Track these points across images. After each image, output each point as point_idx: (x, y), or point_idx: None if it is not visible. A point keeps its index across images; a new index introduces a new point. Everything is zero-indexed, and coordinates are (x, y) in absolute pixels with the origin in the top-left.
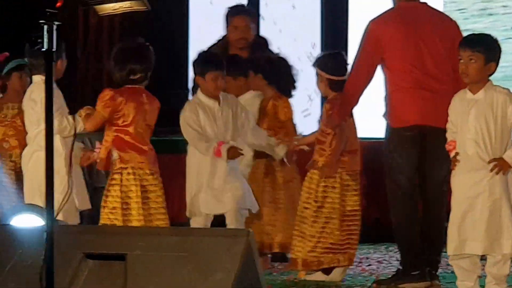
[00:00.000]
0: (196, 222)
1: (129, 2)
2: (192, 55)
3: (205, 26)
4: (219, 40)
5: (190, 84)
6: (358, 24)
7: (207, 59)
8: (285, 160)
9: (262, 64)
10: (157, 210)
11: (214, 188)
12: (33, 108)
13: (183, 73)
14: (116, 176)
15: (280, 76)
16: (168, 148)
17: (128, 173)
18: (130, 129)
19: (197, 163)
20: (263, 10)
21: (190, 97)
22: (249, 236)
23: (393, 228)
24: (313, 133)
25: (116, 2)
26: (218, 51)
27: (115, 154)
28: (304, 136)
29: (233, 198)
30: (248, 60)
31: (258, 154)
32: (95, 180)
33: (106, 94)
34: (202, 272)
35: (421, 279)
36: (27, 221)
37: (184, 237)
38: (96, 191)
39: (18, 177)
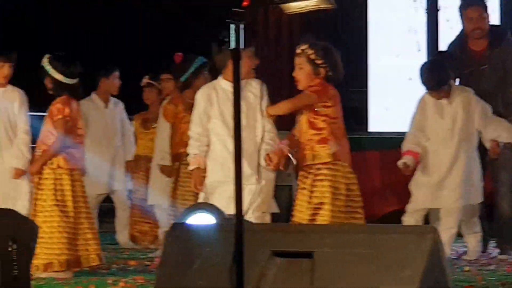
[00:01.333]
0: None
1: (315, 0)
2: (371, 54)
3: (384, 24)
4: (458, 35)
5: (370, 83)
6: None
7: None
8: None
9: None
10: (354, 209)
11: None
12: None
13: (362, 71)
14: (326, 171)
15: None
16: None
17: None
18: (339, 122)
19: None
20: None
21: (369, 95)
22: (436, 233)
23: None
24: None
25: (302, 0)
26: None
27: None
28: None
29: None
30: None
31: None
32: (277, 180)
33: (317, 82)
34: (389, 269)
35: None
36: (201, 220)
37: (371, 234)
38: (279, 190)
39: None
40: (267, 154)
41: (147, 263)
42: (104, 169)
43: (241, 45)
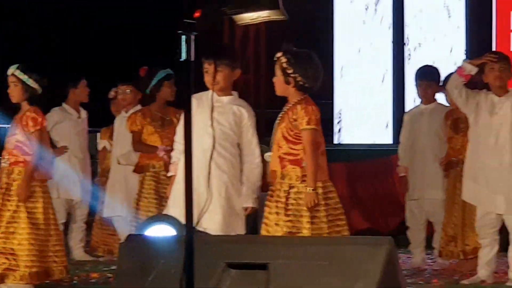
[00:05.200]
0: None
1: (267, 12)
2: (337, 61)
3: (350, 30)
4: None
5: (336, 92)
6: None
7: None
8: None
9: None
10: (336, 216)
11: None
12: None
13: (329, 79)
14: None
15: None
16: None
17: None
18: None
19: None
20: None
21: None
22: (391, 244)
23: None
24: None
25: (253, 11)
26: None
27: None
28: None
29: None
30: None
31: None
32: None
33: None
34: (344, 280)
35: None
36: (161, 232)
37: (326, 245)
38: None
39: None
40: None
41: (109, 275)
42: (75, 177)
43: (192, 57)
